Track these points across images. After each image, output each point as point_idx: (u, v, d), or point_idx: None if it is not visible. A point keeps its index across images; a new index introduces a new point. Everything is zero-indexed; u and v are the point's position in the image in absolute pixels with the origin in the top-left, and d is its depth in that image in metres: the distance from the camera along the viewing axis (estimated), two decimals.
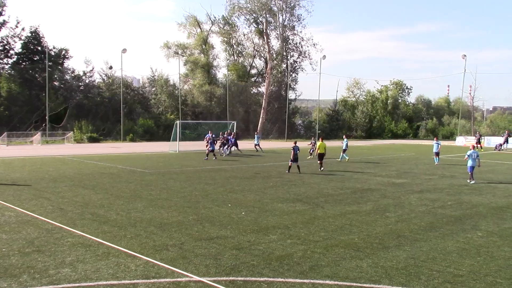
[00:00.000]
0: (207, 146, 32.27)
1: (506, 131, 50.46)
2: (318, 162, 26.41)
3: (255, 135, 41.41)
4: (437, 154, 31.50)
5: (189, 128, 55.80)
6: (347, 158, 32.43)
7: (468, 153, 22.43)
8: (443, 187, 20.51)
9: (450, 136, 76.12)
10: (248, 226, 12.37)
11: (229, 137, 36.23)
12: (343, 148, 33.02)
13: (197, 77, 70.97)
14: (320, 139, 27.50)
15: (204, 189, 18.51)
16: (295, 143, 25.19)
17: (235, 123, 43.31)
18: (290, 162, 24.80)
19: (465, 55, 63.64)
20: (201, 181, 20.98)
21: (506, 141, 48.46)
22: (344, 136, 34.97)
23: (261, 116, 68.82)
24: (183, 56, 72.26)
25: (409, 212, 14.75)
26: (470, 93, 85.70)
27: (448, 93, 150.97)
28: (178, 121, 41.53)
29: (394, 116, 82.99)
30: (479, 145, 48.18)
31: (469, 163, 22.27)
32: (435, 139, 32.99)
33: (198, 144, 44.98)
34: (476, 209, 15.42)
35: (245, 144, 47.21)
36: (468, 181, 22.23)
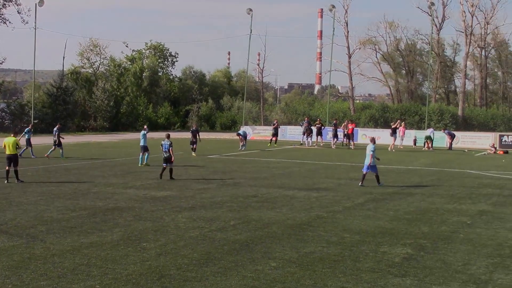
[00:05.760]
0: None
1: (306, 118, 55.93)
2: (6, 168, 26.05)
3: None
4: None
5: None
6: None
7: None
8: (224, 200, 21.81)
9: (233, 125, 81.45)
10: None
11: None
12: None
13: None
14: (13, 133, 26.89)
15: None
16: (168, 136, 28.09)
17: None
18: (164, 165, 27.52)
19: (251, 10, 68.63)
20: None
21: (319, 133, 53.21)
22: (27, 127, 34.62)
23: None
24: None
25: (176, 239, 15.32)
26: (258, 65, 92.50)
27: (229, 64, 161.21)
28: None
29: (153, 96, 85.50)
30: (273, 139, 52.46)
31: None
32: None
33: None
34: (269, 230, 16.76)
35: None
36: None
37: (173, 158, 27.30)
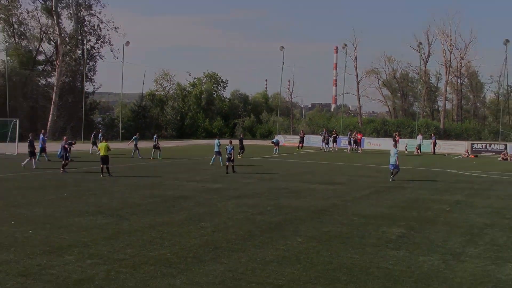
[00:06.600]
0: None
1: (324, 129, 55.74)
2: (100, 166, 26.32)
3: (41, 136, 38.09)
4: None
5: None
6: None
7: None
8: (262, 191, 21.89)
9: (269, 134, 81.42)
10: (37, 247, 11.73)
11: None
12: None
13: None
14: (102, 139, 27.67)
15: None
16: (231, 142, 29.27)
17: (17, 121, 40.41)
18: (227, 162, 28.91)
19: (283, 47, 68.89)
20: None
21: (335, 140, 53.48)
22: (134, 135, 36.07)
23: (51, 113, 65.32)
24: None
25: (226, 220, 15.46)
26: (288, 88, 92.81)
27: (266, 88, 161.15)
28: None
29: (209, 112, 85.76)
30: (300, 145, 52.77)
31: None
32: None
33: None
34: (296, 214, 16.81)
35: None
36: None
37: (233, 157, 28.79)
